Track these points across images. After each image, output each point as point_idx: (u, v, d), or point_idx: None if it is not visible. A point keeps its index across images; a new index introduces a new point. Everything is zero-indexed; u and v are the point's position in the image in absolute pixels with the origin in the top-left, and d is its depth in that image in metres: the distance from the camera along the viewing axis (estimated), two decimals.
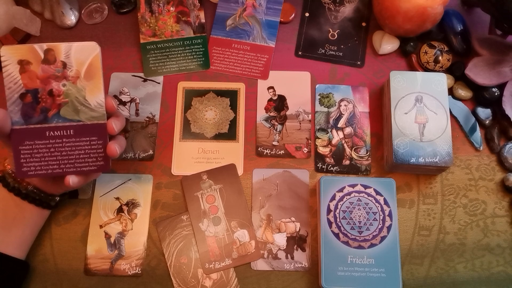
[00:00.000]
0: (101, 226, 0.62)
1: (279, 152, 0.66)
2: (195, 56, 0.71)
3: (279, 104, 0.69)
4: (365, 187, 0.59)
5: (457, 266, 0.60)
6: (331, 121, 0.67)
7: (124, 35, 0.73)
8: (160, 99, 0.69)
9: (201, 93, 0.69)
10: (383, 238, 0.57)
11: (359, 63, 0.71)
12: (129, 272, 0.60)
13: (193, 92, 0.69)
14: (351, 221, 0.58)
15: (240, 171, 0.65)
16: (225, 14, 0.73)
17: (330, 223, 0.58)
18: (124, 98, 0.69)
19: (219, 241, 0.61)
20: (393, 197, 0.59)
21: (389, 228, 0.58)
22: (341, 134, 0.67)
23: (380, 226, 0.58)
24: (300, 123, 0.68)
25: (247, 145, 0.67)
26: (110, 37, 0.73)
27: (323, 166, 0.65)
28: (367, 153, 0.66)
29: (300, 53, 0.72)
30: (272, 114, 0.68)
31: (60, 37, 0.73)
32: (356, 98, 0.69)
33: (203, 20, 0.72)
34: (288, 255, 0.61)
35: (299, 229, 0.62)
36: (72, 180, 0.52)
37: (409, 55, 0.70)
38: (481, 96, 0.67)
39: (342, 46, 0.72)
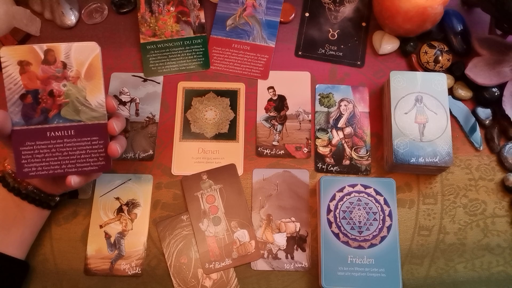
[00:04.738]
0: (101, 226, 0.62)
1: (279, 152, 0.66)
2: (195, 56, 0.71)
3: (279, 104, 0.69)
4: (365, 187, 0.60)
5: (457, 266, 0.60)
6: (331, 121, 0.67)
7: (124, 35, 0.73)
8: (160, 99, 0.69)
9: (201, 93, 0.69)
10: (383, 238, 0.57)
11: (359, 63, 0.71)
12: (129, 272, 0.60)
13: (193, 92, 0.69)
14: (351, 221, 0.58)
15: (240, 171, 0.65)
16: (225, 14, 0.73)
17: (330, 223, 0.58)
18: (124, 98, 0.69)
19: (219, 241, 0.61)
20: (393, 197, 0.59)
21: (389, 228, 0.58)
22: (341, 134, 0.67)
23: (380, 226, 0.58)
24: (300, 123, 0.68)
25: (247, 145, 0.67)
26: (110, 37, 0.73)
27: (323, 166, 0.65)
28: (367, 153, 0.66)
29: (300, 53, 0.72)
30: (272, 114, 0.68)
31: (60, 37, 0.73)
32: (356, 98, 0.69)
33: (203, 20, 0.72)
34: (288, 255, 0.61)
35: (299, 229, 0.62)
36: (73, 180, 0.52)
37: (409, 55, 0.70)
38: (481, 96, 0.67)
39: (342, 46, 0.72)
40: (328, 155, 0.66)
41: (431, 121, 0.61)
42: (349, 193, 0.59)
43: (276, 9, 0.73)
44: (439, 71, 0.68)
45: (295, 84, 0.70)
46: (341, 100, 0.68)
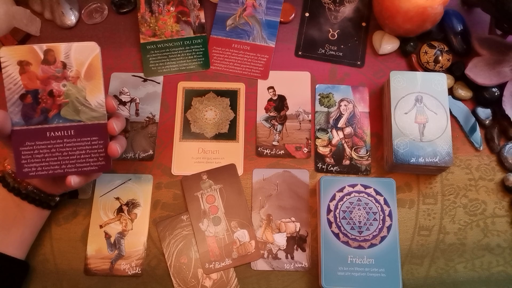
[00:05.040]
0: (101, 226, 0.62)
1: (279, 152, 0.66)
2: (195, 56, 0.71)
3: (279, 104, 0.69)
4: (365, 187, 0.60)
5: (457, 266, 0.60)
6: (331, 121, 0.67)
7: (124, 35, 0.73)
8: (160, 99, 0.69)
9: (201, 93, 0.69)
10: (383, 238, 0.57)
11: (359, 63, 0.71)
12: (129, 272, 0.60)
13: (193, 92, 0.69)
14: (351, 221, 0.58)
15: (240, 171, 0.65)
16: (225, 14, 0.73)
17: (330, 223, 0.58)
18: (124, 98, 0.69)
19: (219, 241, 0.61)
20: (393, 197, 0.59)
21: (389, 228, 0.58)
22: (341, 134, 0.67)
23: (380, 226, 0.58)
24: (300, 123, 0.68)
25: (247, 145, 0.67)
26: (110, 37, 0.73)
27: (323, 166, 0.65)
28: (367, 153, 0.66)
29: (300, 53, 0.72)
30: (272, 114, 0.68)
31: (60, 37, 0.73)
32: (356, 98, 0.69)
33: (203, 20, 0.72)
34: (288, 255, 0.61)
35: (299, 229, 0.62)
36: (73, 180, 0.52)
37: (409, 55, 0.70)
38: (481, 96, 0.67)
39: (342, 46, 0.72)
40: (328, 155, 0.66)
41: (431, 121, 0.61)
42: (349, 193, 0.59)
43: (276, 9, 0.73)
44: (439, 71, 0.68)
45: (295, 84, 0.70)
46: (341, 100, 0.68)
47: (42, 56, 0.50)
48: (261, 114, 0.68)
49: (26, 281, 0.59)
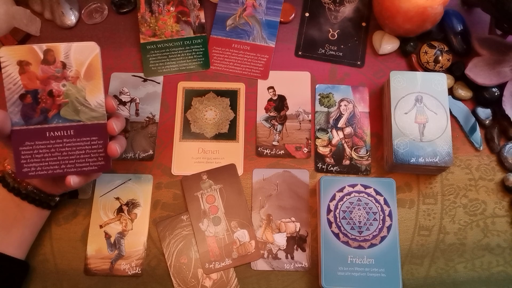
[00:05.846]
0: (101, 226, 0.62)
1: (279, 152, 0.66)
2: (195, 56, 0.71)
3: (279, 104, 0.69)
4: (365, 187, 0.59)
5: (457, 266, 0.60)
6: (331, 121, 0.67)
7: (124, 35, 0.73)
8: (160, 99, 0.69)
9: (201, 93, 0.69)
10: (383, 238, 0.57)
11: (359, 63, 0.71)
12: (129, 272, 0.60)
13: (193, 92, 0.69)
14: (351, 221, 0.58)
15: (240, 171, 0.65)
16: (225, 14, 0.73)
17: (330, 223, 0.58)
18: (124, 98, 0.69)
19: (219, 241, 0.61)
20: (393, 197, 0.59)
21: (389, 228, 0.58)
22: (341, 134, 0.67)
23: (380, 226, 0.58)
24: (300, 123, 0.68)
25: (247, 145, 0.67)
26: (110, 37, 0.73)
27: (323, 166, 0.65)
28: (367, 153, 0.66)
29: (300, 53, 0.72)
30: (272, 114, 0.68)
31: (60, 37, 0.73)
32: (356, 98, 0.69)
33: (203, 20, 0.72)
34: (288, 255, 0.61)
35: (299, 229, 0.62)
36: (73, 180, 0.52)
37: (409, 55, 0.70)
38: (481, 96, 0.67)
39: (342, 46, 0.72)
40: (328, 155, 0.66)
41: (431, 121, 0.61)
42: (349, 193, 0.59)
43: (276, 9, 0.73)
44: (439, 71, 0.68)
45: (295, 84, 0.70)
46: (341, 100, 0.68)
47: (42, 56, 0.50)
48: (261, 114, 0.68)
49: (26, 281, 0.59)
